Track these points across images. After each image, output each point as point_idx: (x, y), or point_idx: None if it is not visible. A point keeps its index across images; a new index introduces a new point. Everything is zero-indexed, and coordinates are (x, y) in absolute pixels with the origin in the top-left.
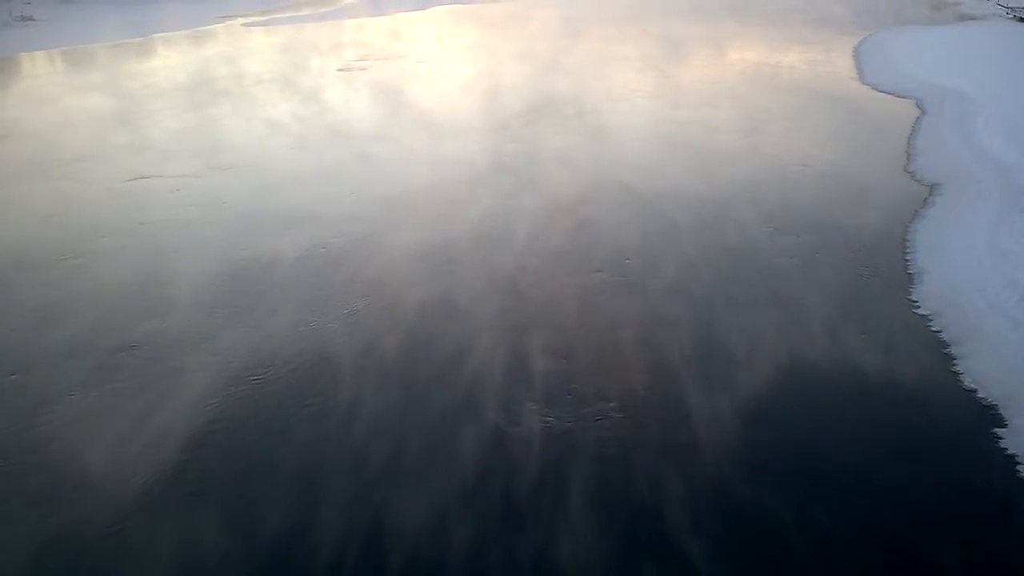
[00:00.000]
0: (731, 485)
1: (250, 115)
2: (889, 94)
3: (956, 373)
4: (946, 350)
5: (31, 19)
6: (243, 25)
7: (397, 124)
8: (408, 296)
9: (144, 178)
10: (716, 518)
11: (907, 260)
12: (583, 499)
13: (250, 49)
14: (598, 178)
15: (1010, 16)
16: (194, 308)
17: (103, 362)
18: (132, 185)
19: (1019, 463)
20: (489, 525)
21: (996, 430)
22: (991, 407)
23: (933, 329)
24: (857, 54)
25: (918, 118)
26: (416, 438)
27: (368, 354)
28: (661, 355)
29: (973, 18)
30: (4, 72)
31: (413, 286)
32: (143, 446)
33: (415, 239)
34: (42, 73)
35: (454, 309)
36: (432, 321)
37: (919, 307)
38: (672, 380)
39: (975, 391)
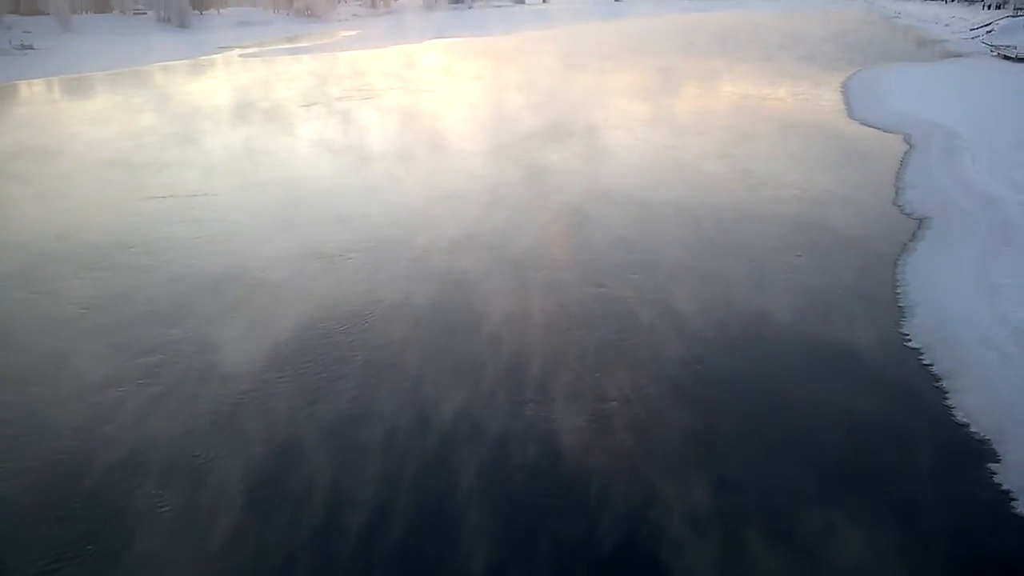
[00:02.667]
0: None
1: (252, 141)
2: (877, 129)
3: (948, 407)
4: (938, 384)
5: (30, 47)
6: (240, 56)
7: (402, 152)
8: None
9: (170, 196)
10: None
11: (898, 293)
12: None
13: (249, 79)
14: (596, 196)
15: (995, 54)
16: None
17: None
18: (160, 202)
19: (1014, 499)
20: None
21: (989, 465)
22: (984, 442)
23: (925, 363)
24: (845, 89)
25: (906, 152)
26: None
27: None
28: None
29: (959, 55)
30: (4, 99)
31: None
32: None
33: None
34: (41, 100)
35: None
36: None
37: (910, 340)
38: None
39: (967, 425)
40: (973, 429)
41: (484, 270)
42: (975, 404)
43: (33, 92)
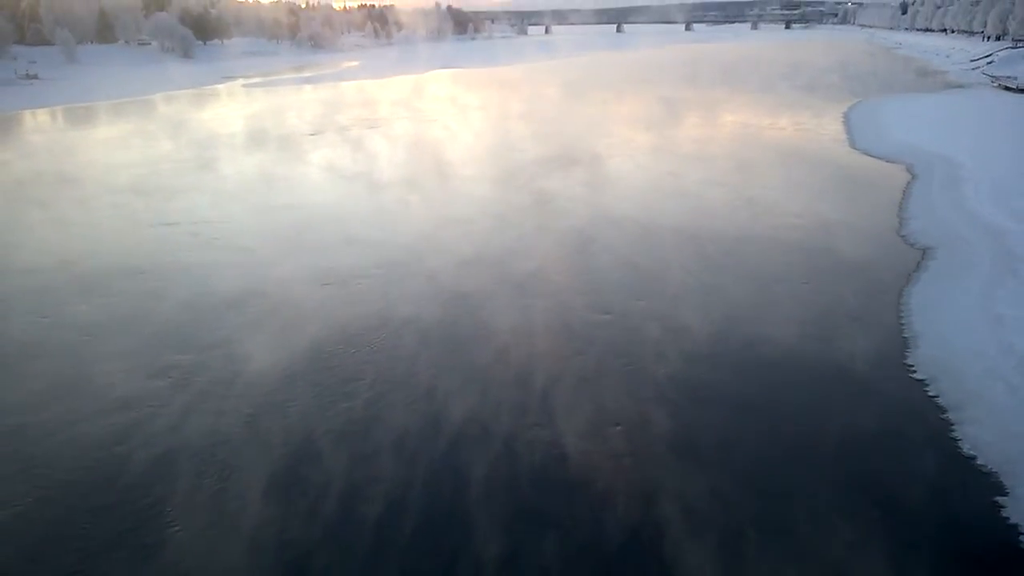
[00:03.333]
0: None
1: (258, 168)
2: (879, 159)
3: (955, 439)
4: (944, 415)
5: (36, 77)
6: (244, 86)
7: (408, 179)
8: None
9: (173, 224)
10: None
11: (902, 323)
12: None
13: (252, 108)
14: (600, 221)
15: (996, 85)
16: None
17: None
18: (166, 229)
19: (1023, 533)
20: None
21: (997, 498)
22: (991, 474)
23: (930, 394)
24: (847, 120)
25: (909, 183)
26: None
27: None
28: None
29: (960, 86)
30: (9, 128)
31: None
32: None
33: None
34: (48, 129)
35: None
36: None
37: (915, 372)
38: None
39: (975, 457)
40: (980, 461)
41: (489, 292)
42: (982, 436)
43: (39, 121)
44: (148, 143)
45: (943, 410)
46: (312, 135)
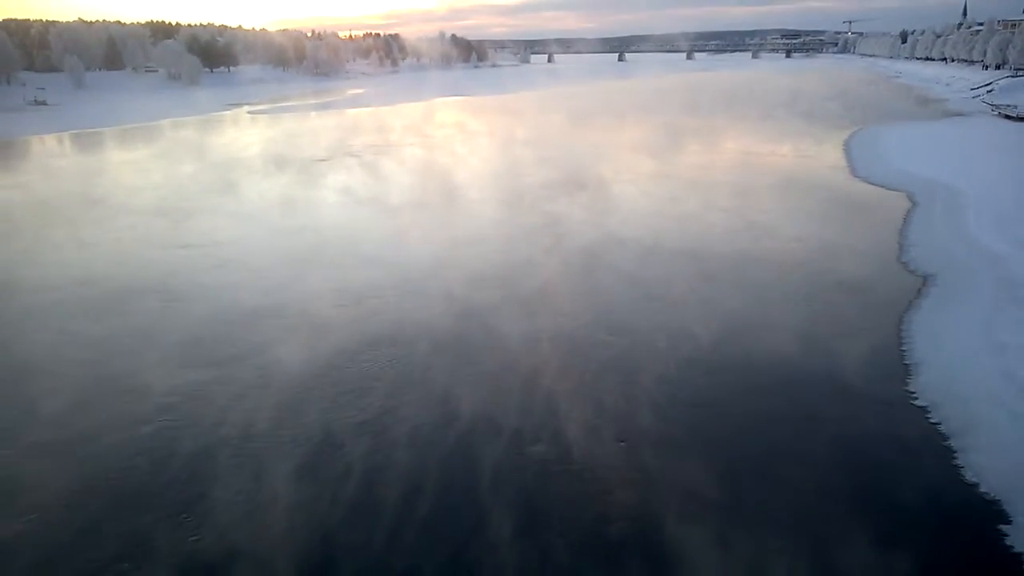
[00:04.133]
0: None
1: (266, 192)
2: (880, 187)
3: (957, 467)
4: (946, 443)
5: (44, 103)
6: (249, 113)
7: (416, 203)
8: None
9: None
10: None
11: (903, 351)
12: None
13: (256, 135)
14: (605, 242)
15: (995, 113)
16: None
17: None
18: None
19: None
20: None
21: (1000, 527)
22: (994, 502)
23: (932, 421)
24: (847, 148)
25: (909, 210)
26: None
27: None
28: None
29: (959, 114)
30: (18, 153)
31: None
32: None
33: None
34: (55, 154)
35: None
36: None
37: (917, 398)
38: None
39: (977, 485)
40: (983, 489)
41: (499, 309)
42: (985, 464)
43: (46, 147)
44: (150, 168)
45: (945, 437)
46: (319, 161)
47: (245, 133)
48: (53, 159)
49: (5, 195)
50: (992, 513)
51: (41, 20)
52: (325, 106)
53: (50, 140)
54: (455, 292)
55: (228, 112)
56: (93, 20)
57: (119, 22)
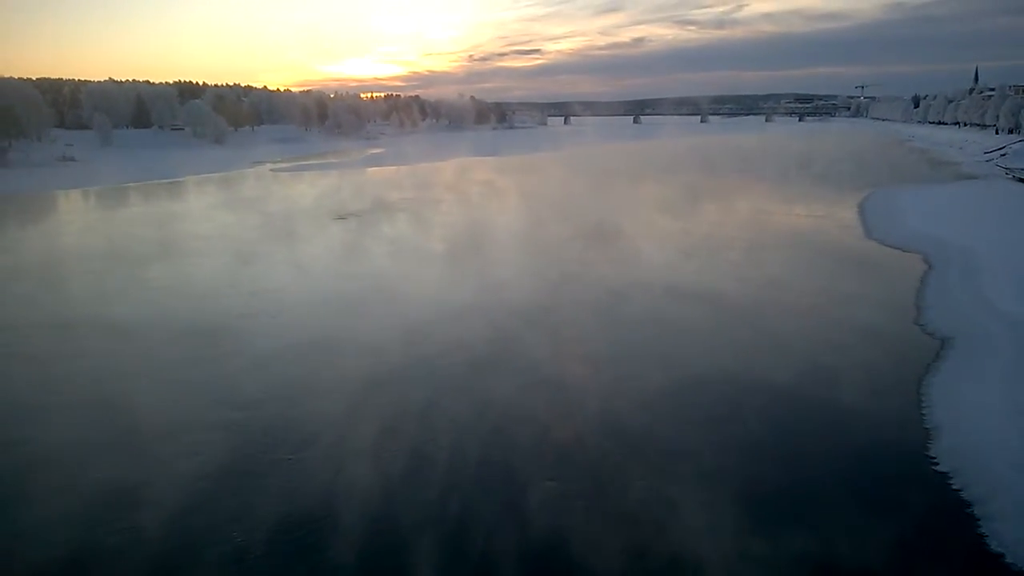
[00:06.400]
0: None
1: (288, 248)
2: (895, 248)
3: (981, 535)
4: (969, 510)
5: (72, 159)
6: (271, 170)
7: (446, 254)
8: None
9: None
10: None
11: (923, 415)
12: None
13: (280, 192)
14: (626, 294)
15: (1009, 176)
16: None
17: None
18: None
19: None
20: None
21: None
22: (1021, 574)
23: (954, 487)
24: (862, 210)
25: (925, 272)
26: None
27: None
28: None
29: (972, 177)
30: (33, 208)
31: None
32: None
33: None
34: (78, 209)
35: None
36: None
37: (938, 464)
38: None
39: (1002, 556)
40: (1009, 560)
41: (527, 353)
42: (1009, 532)
43: (70, 202)
44: (169, 224)
45: (967, 504)
46: (338, 219)
47: (268, 190)
48: (72, 215)
49: None
50: None
51: (73, 79)
52: (346, 165)
53: (74, 195)
54: (492, 326)
55: (251, 169)
56: (123, 80)
57: (148, 82)
